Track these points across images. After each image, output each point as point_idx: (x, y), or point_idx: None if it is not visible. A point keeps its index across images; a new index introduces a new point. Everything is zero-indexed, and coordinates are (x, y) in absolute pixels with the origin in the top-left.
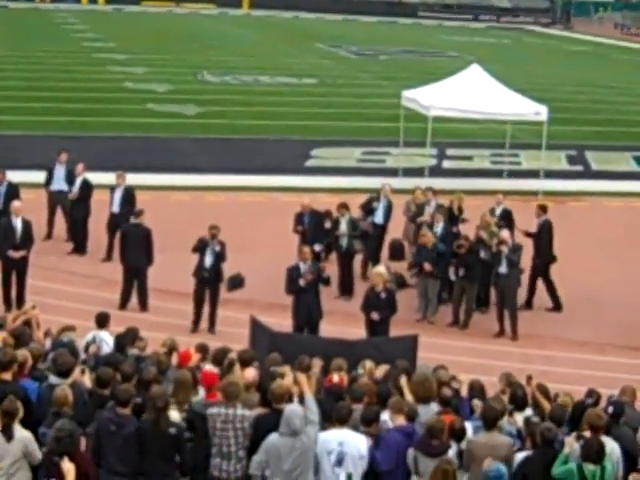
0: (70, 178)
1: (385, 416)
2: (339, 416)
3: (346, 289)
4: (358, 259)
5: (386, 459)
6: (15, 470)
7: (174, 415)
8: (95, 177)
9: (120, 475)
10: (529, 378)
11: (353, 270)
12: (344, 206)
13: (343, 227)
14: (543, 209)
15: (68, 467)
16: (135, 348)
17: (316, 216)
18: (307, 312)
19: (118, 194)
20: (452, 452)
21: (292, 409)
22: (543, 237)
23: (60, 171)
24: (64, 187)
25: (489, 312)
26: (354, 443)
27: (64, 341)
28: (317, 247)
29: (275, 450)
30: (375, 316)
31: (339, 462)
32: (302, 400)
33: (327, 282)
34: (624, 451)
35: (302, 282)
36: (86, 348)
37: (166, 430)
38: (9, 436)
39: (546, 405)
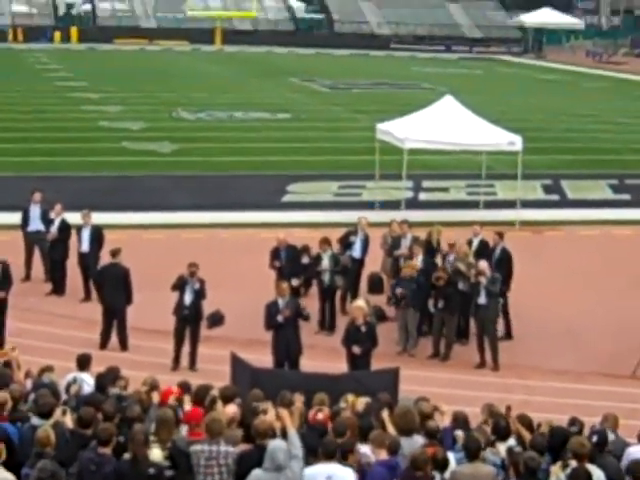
0: (45, 218)
1: (365, 449)
2: (327, 451)
3: (328, 325)
4: (337, 294)
5: None
6: None
7: (157, 453)
8: (71, 217)
9: None
10: (508, 408)
11: (335, 305)
12: (326, 241)
13: (325, 263)
14: (500, 235)
15: None
16: (116, 387)
17: (293, 251)
18: (286, 347)
19: (86, 233)
20: None
21: (276, 444)
22: (503, 266)
23: (35, 211)
24: (41, 227)
25: (469, 343)
26: (342, 476)
27: (45, 382)
28: (294, 282)
29: None
30: (356, 350)
31: None
32: (285, 435)
33: (307, 318)
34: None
35: (280, 318)
36: (67, 389)
37: (145, 470)
38: None
39: (526, 435)
